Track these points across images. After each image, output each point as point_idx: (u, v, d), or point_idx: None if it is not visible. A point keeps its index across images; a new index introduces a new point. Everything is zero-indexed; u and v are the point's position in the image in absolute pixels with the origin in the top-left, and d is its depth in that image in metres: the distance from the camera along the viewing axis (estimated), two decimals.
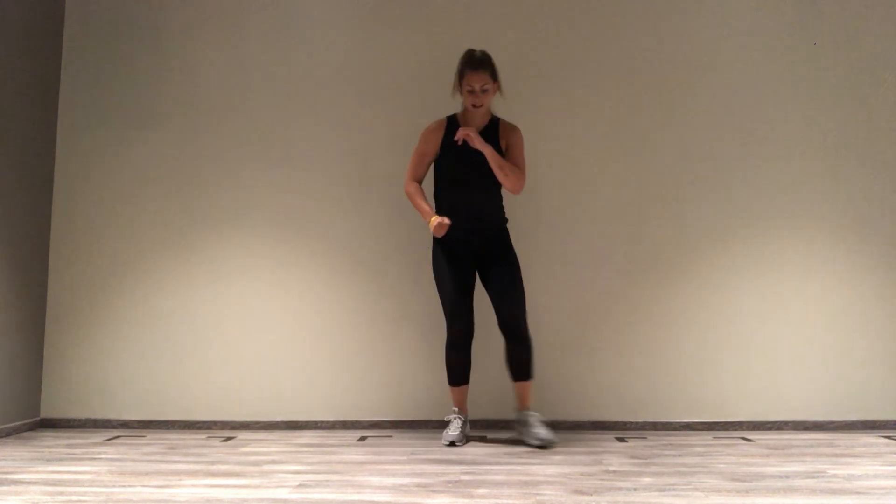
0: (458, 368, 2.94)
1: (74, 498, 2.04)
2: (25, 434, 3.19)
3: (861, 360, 3.29)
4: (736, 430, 3.24)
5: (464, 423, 2.95)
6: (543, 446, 2.78)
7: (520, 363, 2.87)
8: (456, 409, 2.97)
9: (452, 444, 2.83)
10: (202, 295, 3.42)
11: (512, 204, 3.15)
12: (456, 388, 2.97)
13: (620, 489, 2.11)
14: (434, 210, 2.98)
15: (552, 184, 3.38)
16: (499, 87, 2.93)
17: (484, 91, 2.85)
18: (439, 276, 2.94)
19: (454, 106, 3.06)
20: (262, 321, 3.40)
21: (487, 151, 2.82)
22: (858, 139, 3.40)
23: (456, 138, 2.85)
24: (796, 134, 3.41)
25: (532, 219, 3.35)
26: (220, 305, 3.41)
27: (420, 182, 3.02)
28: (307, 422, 3.33)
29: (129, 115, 3.53)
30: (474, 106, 2.87)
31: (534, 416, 2.86)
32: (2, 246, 3.12)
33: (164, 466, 2.47)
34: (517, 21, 3.51)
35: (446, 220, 2.82)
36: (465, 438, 2.94)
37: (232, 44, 3.55)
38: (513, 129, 2.98)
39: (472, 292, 2.94)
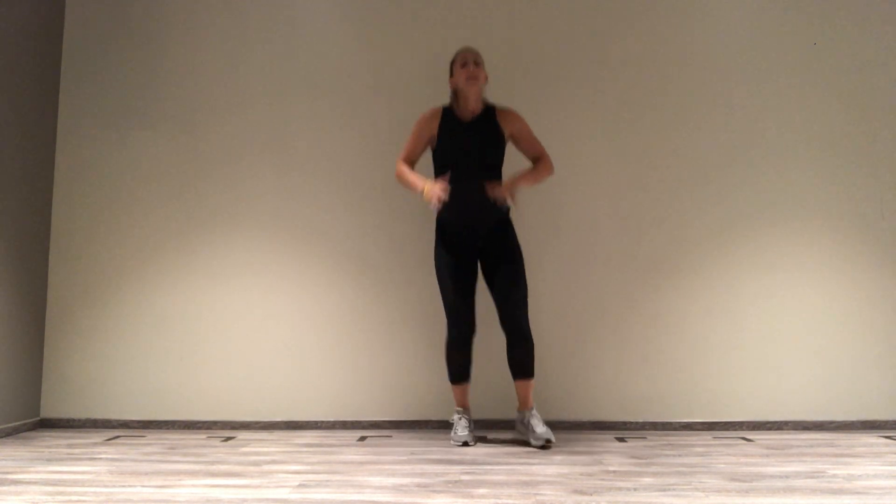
0: (460, 367, 2.95)
1: (74, 498, 2.04)
2: (25, 434, 3.19)
3: (861, 360, 3.29)
4: (736, 430, 3.24)
5: (470, 421, 2.96)
6: (544, 446, 2.78)
7: (520, 362, 2.86)
8: (460, 408, 2.99)
9: (466, 443, 2.85)
10: (202, 295, 3.42)
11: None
12: (458, 387, 2.98)
13: (620, 489, 2.11)
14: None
15: (551, 184, 3.37)
16: (486, 78, 2.94)
17: (477, 64, 2.87)
18: (441, 275, 2.93)
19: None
20: (262, 321, 3.40)
21: (525, 180, 2.89)
22: (858, 139, 3.40)
23: (496, 197, 2.81)
24: (796, 134, 3.41)
25: (532, 219, 3.35)
26: (220, 305, 3.41)
27: (412, 166, 2.99)
28: (307, 422, 3.33)
29: (129, 115, 3.53)
30: (469, 79, 2.84)
31: (535, 416, 2.85)
32: (2, 246, 3.12)
33: (164, 466, 2.47)
34: (518, 22, 3.51)
35: (443, 184, 2.76)
36: (475, 437, 2.97)
37: (232, 44, 3.56)
38: (511, 114, 2.96)
39: (474, 291, 2.94)
